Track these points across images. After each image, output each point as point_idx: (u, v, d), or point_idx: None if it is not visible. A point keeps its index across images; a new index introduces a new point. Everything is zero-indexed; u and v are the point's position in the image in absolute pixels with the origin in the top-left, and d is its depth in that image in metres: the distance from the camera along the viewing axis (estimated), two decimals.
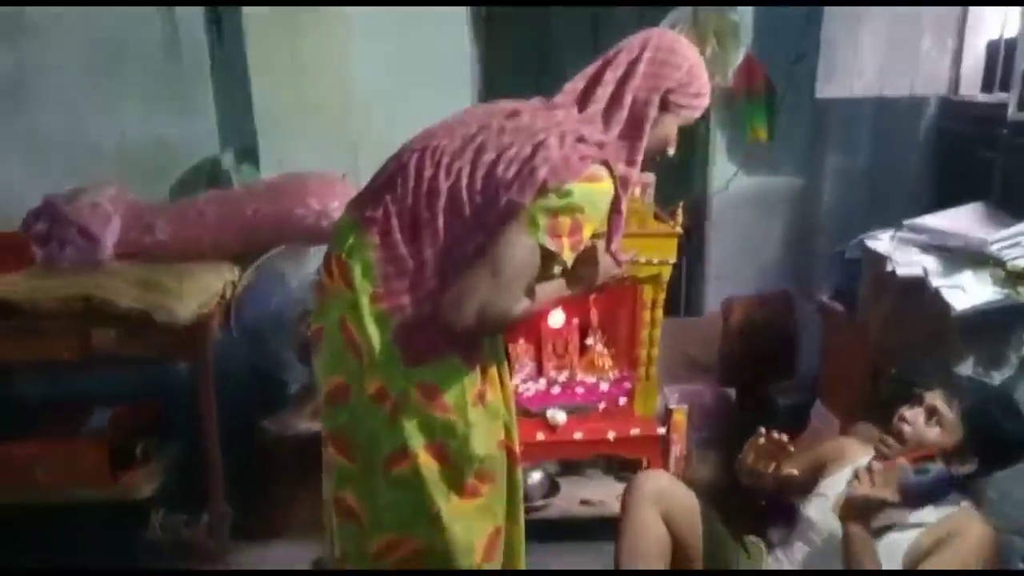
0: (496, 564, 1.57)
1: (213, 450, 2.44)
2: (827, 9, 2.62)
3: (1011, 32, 2.46)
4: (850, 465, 1.80)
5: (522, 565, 1.69)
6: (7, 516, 2.44)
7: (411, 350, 1.40)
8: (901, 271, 2.09)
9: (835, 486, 1.79)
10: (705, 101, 1.52)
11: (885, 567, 1.64)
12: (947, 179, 2.65)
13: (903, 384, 2.01)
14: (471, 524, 1.50)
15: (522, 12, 3.44)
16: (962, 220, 2.14)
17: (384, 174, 1.49)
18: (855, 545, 1.62)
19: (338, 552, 1.56)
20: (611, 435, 2.50)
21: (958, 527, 1.62)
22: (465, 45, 2.95)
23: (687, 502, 1.86)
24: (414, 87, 2.87)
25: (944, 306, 1.95)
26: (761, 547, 1.78)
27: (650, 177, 2.38)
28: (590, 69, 1.49)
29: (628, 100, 1.44)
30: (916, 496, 1.64)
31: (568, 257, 1.37)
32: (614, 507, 1.91)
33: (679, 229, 2.39)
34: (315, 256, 2.62)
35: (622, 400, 2.58)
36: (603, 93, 1.45)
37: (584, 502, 2.59)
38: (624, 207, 1.49)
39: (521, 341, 2.70)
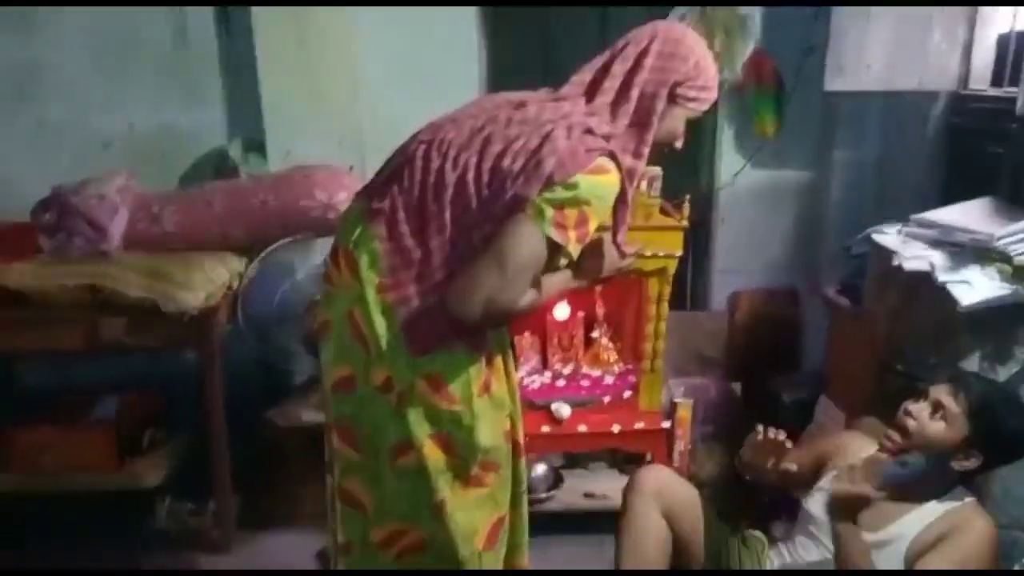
0: (498, 551, 1.57)
1: (219, 439, 2.46)
2: None
3: (1022, 25, 2.44)
4: (853, 459, 1.80)
5: (525, 553, 1.69)
6: (15, 503, 2.47)
7: (417, 341, 1.40)
8: (908, 265, 2.08)
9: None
10: (713, 94, 1.51)
11: (887, 562, 1.64)
12: (956, 173, 2.64)
13: (908, 379, 2.01)
14: (474, 513, 1.51)
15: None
16: (970, 215, 2.12)
17: (391, 166, 1.50)
18: (845, 542, 1.63)
19: (342, 539, 1.57)
20: (615, 428, 2.51)
21: (961, 522, 1.62)
22: (473, 37, 2.94)
23: (687, 497, 1.86)
24: (422, 79, 2.87)
25: (950, 301, 1.94)
26: (763, 541, 1.78)
27: (657, 170, 2.37)
28: (598, 61, 1.49)
29: (635, 93, 1.43)
30: (898, 489, 1.64)
31: (574, 249, 1.37)
32: (617, 501, 1.92)
33: (685, 223, 2.39)
34: (321, 248, 2.63)
35: (627, 394, 2.58)
36: (610, 86, 1.44)
37: (588, 495, 2.60)
38: (630, 199, 1.49)
39: (527, 334, 2.71)
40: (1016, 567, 1.86)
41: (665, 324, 2.49)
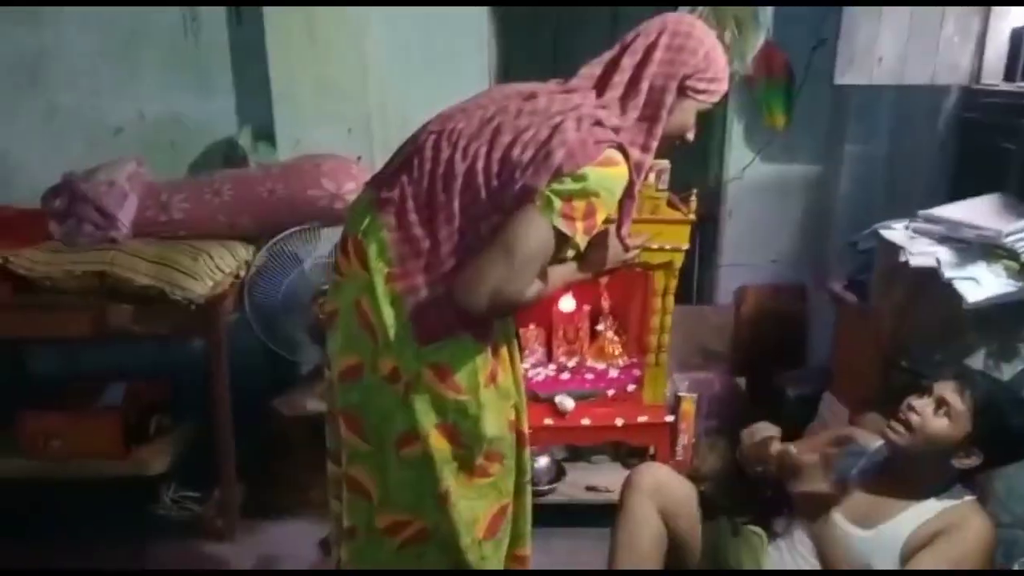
0: (499, 540, 1.58)
1: (225, 428, 2.47)
2: None
3: None
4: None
5: (528, 543, 1.69)
6: (22, 489, 2.49)
7: (424, 330, 1.41)
8: (914, 261, 2.06)
9: None
10: (723, 86, 1.51)
11: (883, 558, 1.64)
12: (967, 169, 2.61)
13: (913, 375, 2.00)
14: (476, 502, 1.52)
15: None
16: (978, 211, 2.11)
17: (401, 155, 1.50)
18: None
19: (347, 523, 1.57)
20: (619, 422, 2.51)
21: (958, 520, 1.61)
22: (483, 27, 2.93)
23: (684, 495, 1.87)
24: (431, 70, 2.88)
25: (957, 298, 1.93)
26: (762, 537, 1.77)
27: (665, 163, 2.37)
28: (607, 54, 1.49)
29: (645, 86, 1.43)
30: (846, 473, 1.66)
31: (581, 241, 1.38)
32: None
33: (692, 216, 2.38)
34: (328, 238, 2.64)
35: (631, 387, 2.58)
36: (620, 79, 1.44)
37: (590, 488, 2.60)
38: (637, 193, 1.49)
39: (532, 326, 2.71)
40: (1016, 566, 1.86)
41: (670, 318, 2.48)
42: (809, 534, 1.73)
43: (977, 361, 1.99)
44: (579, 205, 1.34)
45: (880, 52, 2.53)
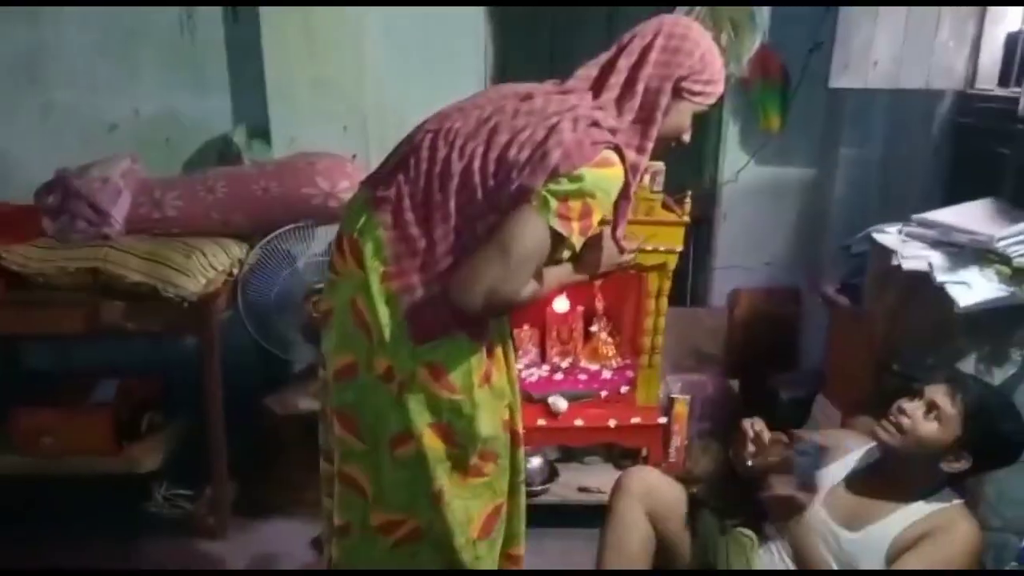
0: (494, 540, 1.58)
1: (217, 426, 2.47)
2: None
3: None
4: (846, 457, 1.80)
5: (523, 542, 1.70)
6: (13, 486, 2.48)
7: (420, 329, 1.41)
8: (906, 265, 2.07)
9: (828, 479, 1.78)
10: (719, 88, 1.51)
11: (869, 560, 1.64)
12: (961, 173, 2.62)
13: (904, 379, 2.00)
14: (471, 502, 1.52)
15: None
16: (972, 215, 2.11)
17: (397, 154, 1.50)
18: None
19: (341, 521, 1.58)
20: (612, 423, 2.51)
21: (945, 523, 1.61)
22: (480, 26, 2.94)
23: (673, 499, 1.87)
24: (428, 68, 2.88)
25: (948, 302, 1.93)
26: (752, 539, 1.78)
27: (660, 165, 2.37)
28: (603, 56, 1.49)
29: (640, 88, 1.43)
30: (807, 474, 1.66)
31: (577, 241, 1.38)
32: None
33: (686, 218, 2.38)
34: (322, 236, 2.64)
35: (624, 388, 2.58)
36: (616, 81, 1.44)
37: (582, 489, 2.60)
38: (632, 195, 1.49)
39: (526, 327, 2.71)
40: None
41: (664, 319, 2.49)
42: (788, 538, 1.73)
43: (969, 365, 1.99)
44: (575, 205, 1.34)
45: (875, 56, 2.54)
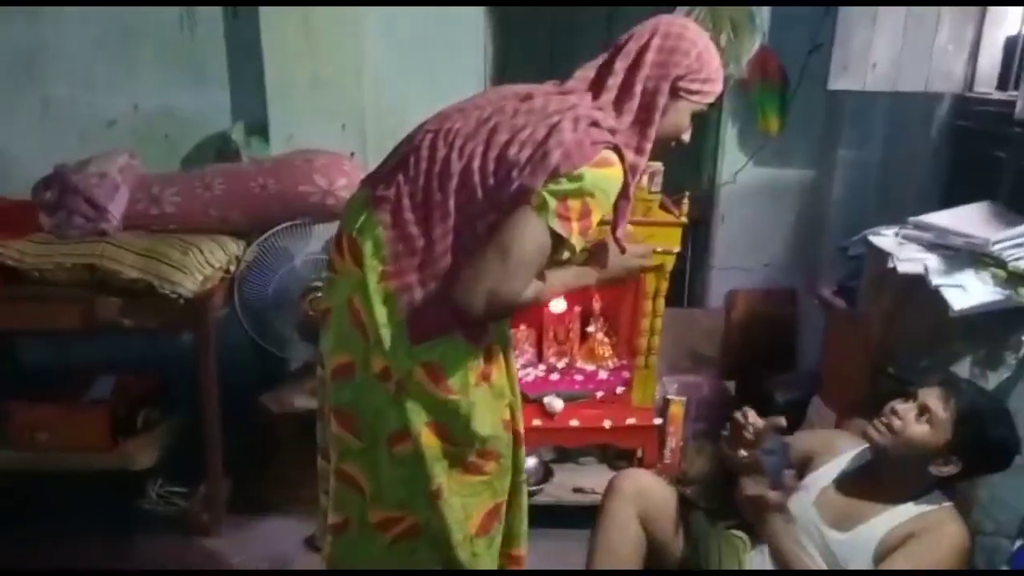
0: (492, 538, 1.58)
1: (212, 423, 2.46)
2: None
3: None
4: (838, 458, 1.80)
5: (524, 542, 1.69)
6: (8, 481, 2.48)
7: (417, 329, 1.41)
8: (902, 268, 2.07)
9: (819, 480, 1.79)
10: (717, 87, 1.51)
11: (856, 560, 1.64)
12: (960, 176, 2.62)
13: (899, 382, 2.00)
14: (470, 499, 1.52)
15: None
16: (967, 219, 2.11)
17: (398, 154, 1.50)
18: (776, 544, 1.66)
19: (339, 518, 1.58)
20: (607, 423, 2.51)
21: (933, 525, 1.61)
22: (479, 25, 2.93)
23: (665, 501, 1.87)
24: (427, 67, 2.87)
25: (944, 305, 1.94)
26: (744, 540, 1.78)
27: (658, 166, 2.37)
28: (601, 58, 1.49)
29: (638, 89, 1.43)
30: (777, 473, 1.67)
31: (577, 242, 1.37)
32: None
33: (684, 219, 2.38)
34: (319, 234, 2.64)
35: (620, 389, 2.58)
36: (613, 83, 1.44)
37: (577, 490, 2.60)
38: (632, 194, 1.49)
39: (522, 327, 2.71)
40: None
41: (661, 320, 2.49)
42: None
43: (963, 369, 1.99)
44: (574, 205, 1.34)
45: (874, 58, 2.54)
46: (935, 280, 1.99)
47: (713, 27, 2.45)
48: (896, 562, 1.59)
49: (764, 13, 2.74)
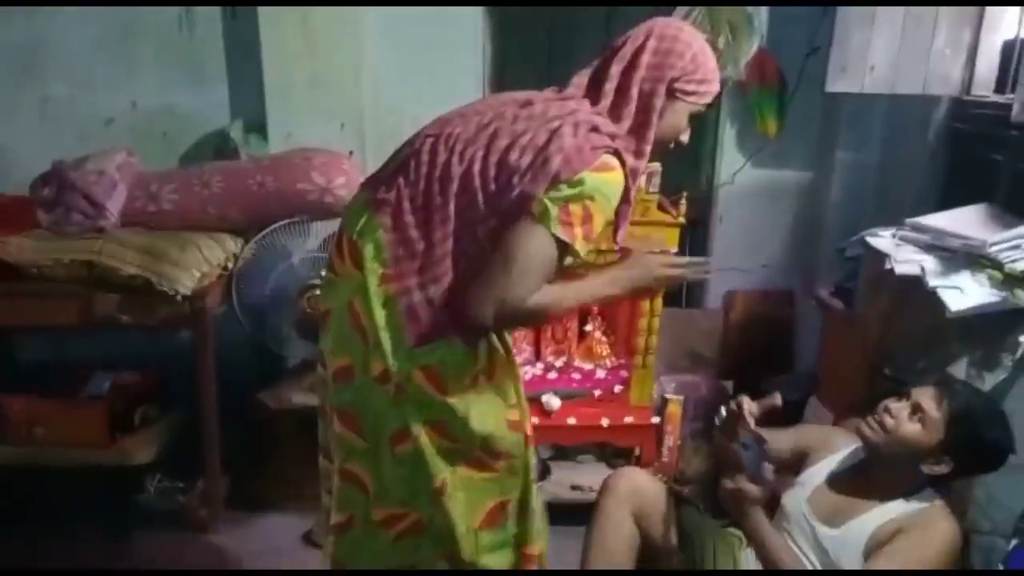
0: (499, 531, 1.57)
1: (210, 420, 2.47)
2: None
3: None
4: (833, 455, 1.81)
5: (535, 539, 1.65)
6: (5, 476, 2.48)
7: (416, 332, 1.42)
8: (899, 269, 2.08)
9: (814, 477, 1.79)
10: (713, 87, 1.51)
11: (847, 556, 1.65)
12: (957, 179, 2.63)
13: (895, 383, 2.01)
14: (475, 494, 1.53)
15: None
16: (964, 220, 2.12)
17: (398, 158, 1.51)
18: (757, 538, 1.66)
19: (343, 516, 1.58)
20: (604, 422, 2.52)
21: (923, 521, 1.62)
22: (478, 27, 2.94)
23: (659, 500, 1.88)
24: (425, 67, 2.88)
25: (940, 306, 1.94)
26: (740, 539, 1.78)
27: (656, 166, 2.38)
28: (597, 62, 1.50)
29: (634, 92, 1.44)
30: (754, 467, 1.66)
31: (580, 247, 1.37)
32: None
33: (681, 219, 2.39)
34: (317, 232, 2.64)
35: (618, 388, 2.59)
36: (610, 87, 1.45)
37: (575, 488, 2.60)
38: (632, 198, 1.49)
39: None
40: None
41: (659, 320, 2.49)
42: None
43: (960, 370, 2.00)
44: (576, 210, 1.35)
45: (872, 61, 2.55)
46: (932, 281, 1.99)
47: (711, 29, 2.46)
48: (884, 557, 1.60)
49: (762, 15, 2.75)
